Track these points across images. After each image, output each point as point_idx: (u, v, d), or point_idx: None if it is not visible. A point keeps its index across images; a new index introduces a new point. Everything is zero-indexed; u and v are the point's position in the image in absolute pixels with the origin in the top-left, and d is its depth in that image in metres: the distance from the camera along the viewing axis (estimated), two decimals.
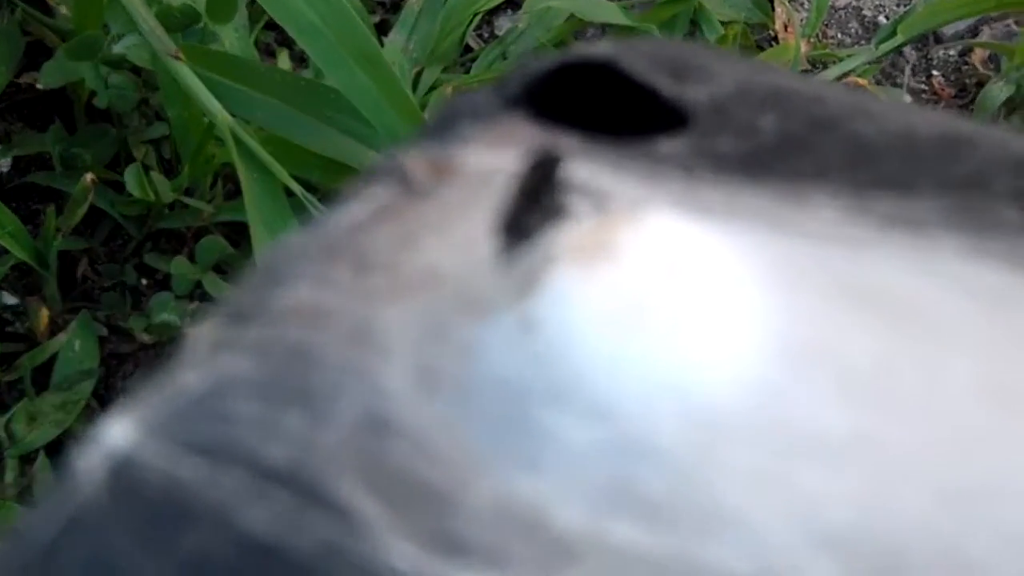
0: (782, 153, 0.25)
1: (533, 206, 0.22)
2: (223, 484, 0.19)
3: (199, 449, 0.20)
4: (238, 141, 0.67)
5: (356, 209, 0.23)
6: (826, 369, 0.20)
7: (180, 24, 0.69)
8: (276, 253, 0.22)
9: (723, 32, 0.85)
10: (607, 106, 0.26)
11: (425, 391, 0.20)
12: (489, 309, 0.21)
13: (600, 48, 0.26)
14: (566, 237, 0.21)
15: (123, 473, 0.20)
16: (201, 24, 0.72)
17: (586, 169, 0.23)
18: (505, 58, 0.84)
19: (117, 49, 0.72)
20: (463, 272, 0.21)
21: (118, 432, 0.20)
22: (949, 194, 0.24)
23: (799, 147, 0.25)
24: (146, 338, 0.77)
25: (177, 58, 0.66)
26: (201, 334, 0.21)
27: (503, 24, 0.89)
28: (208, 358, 0.21)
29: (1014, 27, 0.92)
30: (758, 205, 0.24)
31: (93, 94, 0.74)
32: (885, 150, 0.25)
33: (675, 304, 0.20)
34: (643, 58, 0.26)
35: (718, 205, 0.24)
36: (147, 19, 0.67)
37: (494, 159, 0.24)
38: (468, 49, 0.88)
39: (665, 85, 0.26)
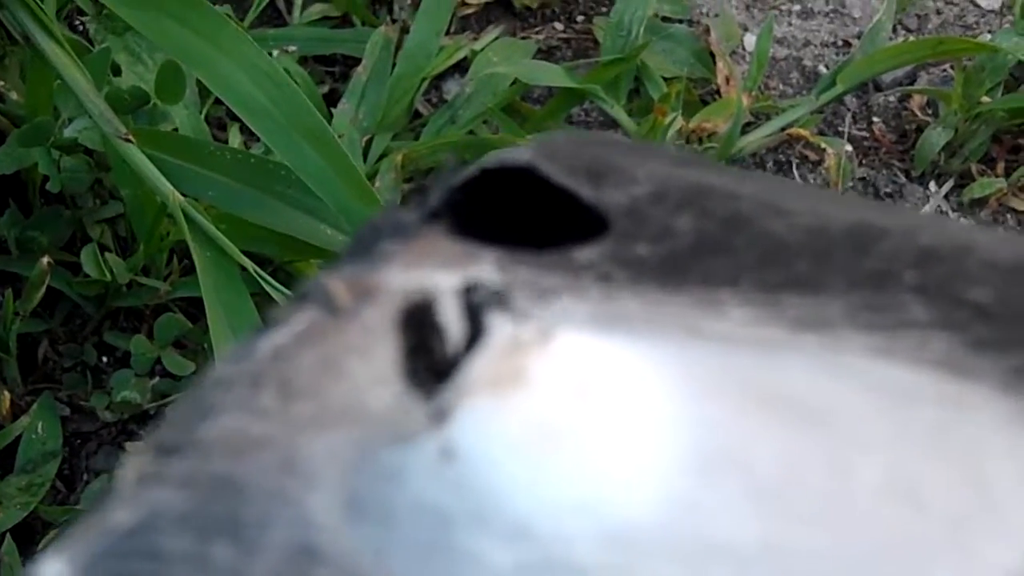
0: (698, 256, 0.25)
1: (447, 332, 0.22)
2: None
3: None
4: (190, 220, 0.67)
5: (280, 334, 0.23)
6: (736, 478, 0.21)
7: (130, 106, 0.70)
8: (202, 383, 0.23)
9: (666, 89, 0.86)
10: (532, 205, 0.27)
11: (352, 519, 0.21)
12: (410, 437, 0.21)
13: (518, 153, 0.27)
14: (480, 366, 0.21)
15: None
16: (151, 104, 0.72)
17: (501, 289, 0.24)
18: (454, 122, 0.85)
19: (68, 133, 0.72)
20: (385, 399, 0.22)
21: (51, 570, 0.20)
22: (858, 291, 0.25)
23: (713, 248, 0.26)
24: (108, 416, 0.77)
25: (128, 140, 0.67)
26: (129, 468, 0.22)
27: (451, 88, 0.90)
28: (136, 492, 0.21)
29: (950, 72, 0.93)
30: (673, 311, 0.24)
31: (47, 178, 0.74)
32: (796, 248, 0.26)
33: (587, 425, 0.21)
34: (561, 161, 0.27)
35: (633, 314, 0.24)
36: (97, 103, 0.67)
37: (414, 276, 0.24)
38: (417, 115, 0.89)
39: (583, 190, 0.27)
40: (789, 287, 0.25)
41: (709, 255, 0.25)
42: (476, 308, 0.23)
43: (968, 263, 0.25)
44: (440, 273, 0.24)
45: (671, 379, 0.22)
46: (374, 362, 0.23)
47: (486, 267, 0.25)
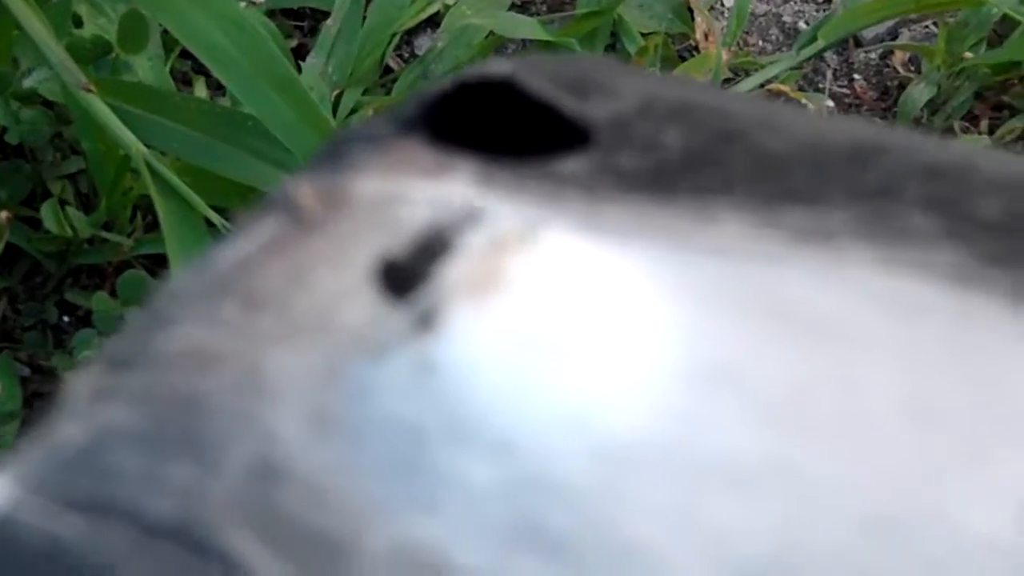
0: (687, 168, 0.24)
1: (423, 242, 0.21)
2: (106, 542, 0.18)
3: (81, 506, 0.19)
4: (154, 173, 0.66)
5: (244, 244, 0.22)
6: (737, 393, 0.20)
7: (91, 56, 0.68)
8: (160, 294, 0.22)
9: (643, 44, 0.85)
10: (511, 126, 0.26)
11: (318, 436, 0.19)
12: (383, 350, 0.20)
13: (499, 66, 0.26)
14: (457, 270, 0.20)
15: (1, 533, 0.19)
16: (113, 55, 0.70)
17: (480, 194, 0.22)
18: (426, 77, 0.84)
19: (28, 83, 0.71)
20: (356, 311, 0.20)
21: None
22: (859, 203, 0.23)
23: (705, 162, 0.24)
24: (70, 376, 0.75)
25: (89, 90, 0.65)
26: (81, 382, 0.20)
27: (423, 43, 0.89)
28: (89, 408, 0.20)
29: (933, 28, 0.92)
30: (663, 222, 0.23)
31: (5, 130, 0.72)
32: (793, 161, 0.24)
33: (575, 333, 0.19)
34: (544, 75, 0.26)
35: (621, 224, 0.23)
36: (57, 52, 0.65)
37: (388, 185, 0.23)
38: (388, 70, 0.87)
39: (566, 102, 0.25)
40: (787, 199, 0.23)
41: (700, 168, 0.24)
42: (454, 215, 0.22)
43: (973, 179, 0.24)
44: (415, 182, 0.23)
45: (665, 287, 0.21)
46: (345, 273, 0.21)
47: (463, 176, 0.23)
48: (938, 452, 0.19)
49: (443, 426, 0.19)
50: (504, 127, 0.26)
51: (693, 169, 0.24)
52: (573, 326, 0.20)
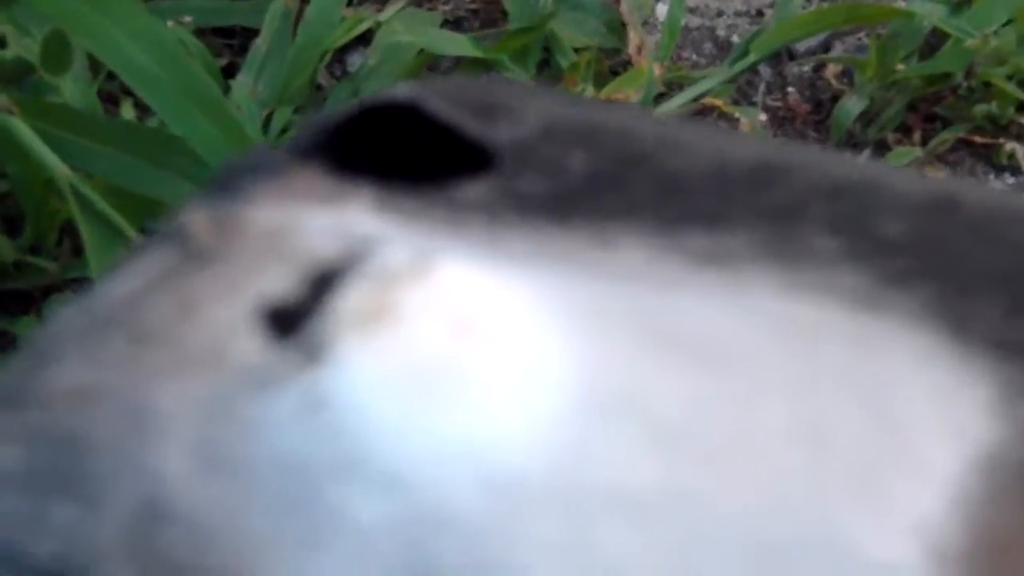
0: (590, 192, 0.24)
1: (313, 274, 0.21)
2: None
3: None
4: (79, 196, 0.65)
5: (133, 276, 0.21)
6: (633, 421, 0.19)
7: (13, 76, 0.67)
8: (44, 330, 0.21)
9: (576, 59, 0.85)
10: (416, 152, 0.25)
11: (205, 473, 0.19)
12: (272, 384, 0.19)
13: (401, 90, 0.25)
14: (347, 302, 0.20)
15: None
16: (37, 76, 0.70)
17: (376, 223, 0.22)
18: (357, 95, 0.83)
19: None
20: (245, 345, 0.20)
21: None
22: (763, 225, 0.23)
23: (607, 185, 0.24)
24: None
25: (11, 112, 0.64)
26: None
27: (355, 61, 0.88)
28: None
29: (865, 40, 0.93)
30: (563, 249, 0.23)
31: None
32: (697, 183, 0.24)
33: (466, 365, 0.19)
34: (448, 99, 0.25)
35: (520, 251, 0.22)
36: None
37: (282, 215, 0.22)
38: (320, 88, 0.87)
39: (469, 126, 0.25)
40: (689, 222, 0.23)
41: (603, 191, 0.24)
42: (346, 247, 0.21)
43: (878, 198, 0.24)
44: (310, 211, 0.23)
45: (560, 315, 0.20)
46: (235, 306, 0.21)
47: (360, 204, 0.23)
48: (832, 477, 0.19)
49: (332, 461, 0.19)
50: (410, 153, 0.25)
51: (596, 193, 0.24)
52: (465, 358, 0.19)
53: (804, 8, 0.93)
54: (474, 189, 0.24)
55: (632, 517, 0.18)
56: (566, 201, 0.24)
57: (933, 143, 0.88)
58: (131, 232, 0.66)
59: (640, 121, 0.27)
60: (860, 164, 0.26)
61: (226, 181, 0.23)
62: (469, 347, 0.19)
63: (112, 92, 0.82)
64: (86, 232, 0.65)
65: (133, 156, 0.68)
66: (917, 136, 0.90)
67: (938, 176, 0.89)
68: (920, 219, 0.24)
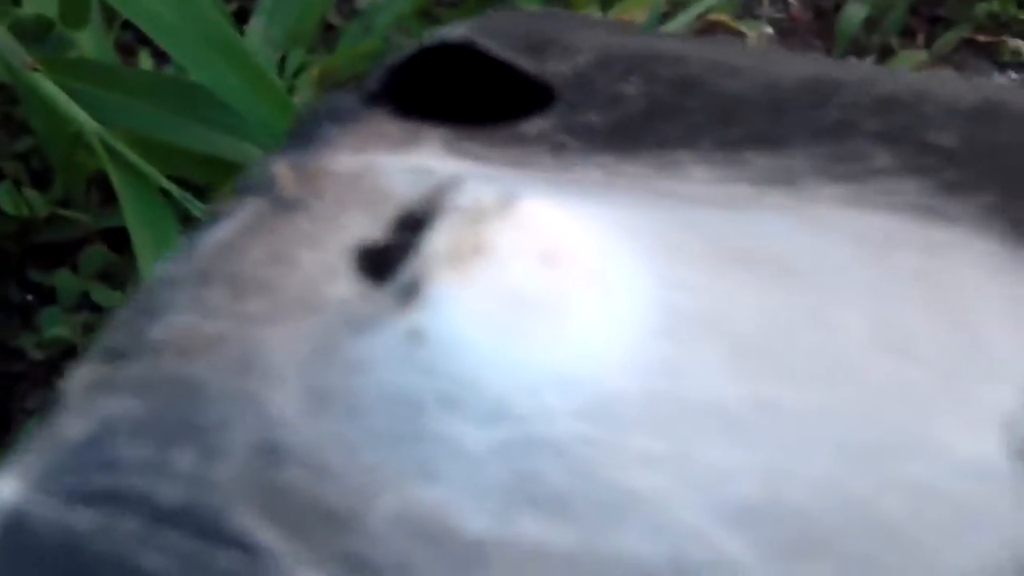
0: (650, 119, 0.25)
1: (401, 216, 0.21)
2: (119, 531, 0.19)
3: (90, 498, 0.19)
4: (108, 148, 0.65)
5: (226, 227, 0.22)
6: (716, 339, 0.20)
7: (34, 34, 0.68)
8: (147, 283, 0.22)
9: None
10: (475, 86, 0.26)
11: (315, 412, 0.20)
12: (372, 324, 0.20)
13: (456, 30, 0.26)
14: (438, 242, 0.20)
15: (15, 530, 0.19)
16: (56, 32, 0.70)
17: (452, 163, 0.23)
18: (368, 32, 0.83)
19: None
20: (341, 288, 0.21)
21: (4, 489, 0.19)
22: (820, 143, 0.24)
23: (666, 111, 0.25)
24: (38, 355, 0.75)
25: (35, 69, 0.65)
26: (76, 376, 0.21)
27: None
28: (87, 401, 0.20)
29: None
30: (631, 175, 0.23)
31: None
32: (752, 105, 0.25)
33: (557, 294, 0.20)
34: (501, 36, 0.26)
35: (591, 180, 0.23)
36: None
37: (361, 160, 0.23)
38: (330, 27, 0.87)
39: (525, 62, 0.26)
40: (750, 144, 0.24)
41: (662, 118, 0.25)
42: (429, 187, 0.22)
43: (928, 108, 0.25)
44: (387, 154, 0.23)
45: (638, 240, 0.21)
46: (326, 250, 0.22)
47: (433, 146, 0.24)
48: (917, 381, 0.20)
49: (436, 393, 0.19)
50: (464, 90, 0.26)
51: (655, 120, 0.25)
52: (555, 289, 0.20)
53: None
54: (536, 124, 0.25)
55: (727, 430, 0.19)
56: (627, 129, 0.24)
57: (937, 44, 0.89)
58: (160, 179, 0.66)
59: (690, 47, 0.27)
60: (906, 75, 0.27)
61: (304, 130, 0.24)
62: (558, 278, 0.20)
63: (127, 43, 0.83)
64: (117, 183, 0.65)
65: (156, 106, 0.68)
66: (921, 39, 0.90)
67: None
68: (969, 127, 0.24)
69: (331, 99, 0.25)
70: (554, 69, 0.26)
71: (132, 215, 0.65)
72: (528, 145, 0.24)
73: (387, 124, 0.24)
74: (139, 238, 0.65)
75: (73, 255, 0.75)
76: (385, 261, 0.21)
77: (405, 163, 0.23)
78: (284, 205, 0.22)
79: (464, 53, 0.26)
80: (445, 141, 0.24)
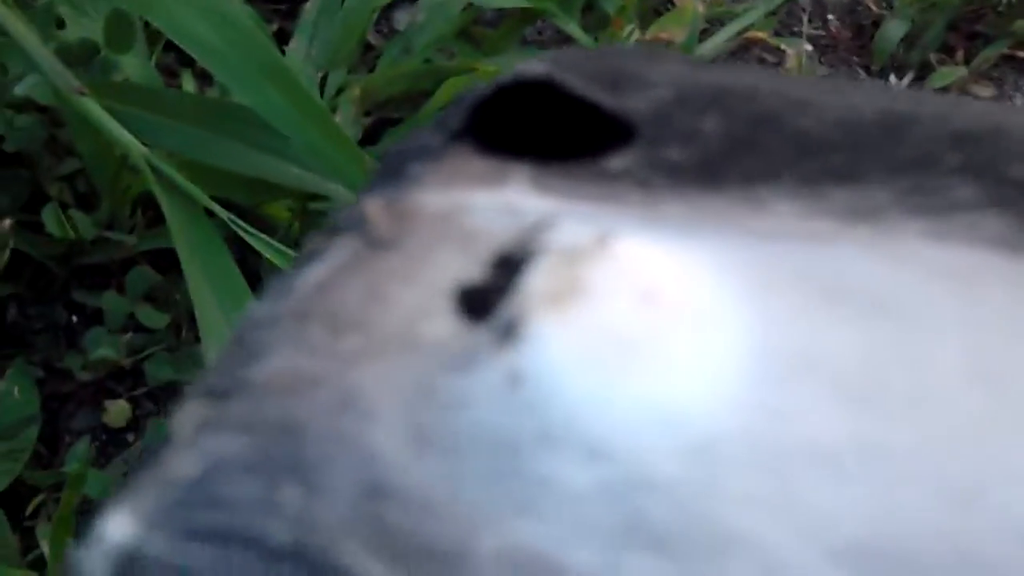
0: (729, 155, 0.25)
1: (497, 254, 0.22)
2: (233, 568, 0.19)
3: (203, 536, 0.19)
4: (154, 169, 0.66)
5: (320, 266, 0.23)
6: (814, 376, 0.20)
7: (80, 59, 0.69)
8: (245, 323, 0.22)
9: (622, 2, 0.85)
10: (553, 121, 0.26)
11: (417, 451, 0.20)
12: (471, 363, 0.20)
13: (534, 66, 0.26)
14: (537, 281, 0.21)
15: (129, 567, 0.19)
16: (101, 55, 0.71)
17: (541, 201, 0.23)
18: (408, 52, 0.84)
19: (19, 90, 0.71)
20: (438, 326, 0.21)
21: (118, 528, 0.20)
22: (899, 177, 0.24)
23: (744, 146, 0.25)
24: (84, 375, 0.76)
25: (83, 93, 0.65)
26: (183, 415, 0.21)
27: (401, 18, 0.89)
28: (194, 440, 0.21)
29: None
30: (718, 212, 0.24)
31: (1, 138, 0.72)
32: (829, 139, 0.25)
33: (655, 334, 0.20)
34: (579, 72, 0.26)
35: (679, 217, 0.24)
36: (46, 57, 0.66)
37: (450, 197, 0.24)
38: (369, 47, 0.87)
39: (605, 98, 0.26)
40: (829, 178, 0.24)
41: (743, 154, 0.25)
42: (523, 225, 0.22)
43: (1005, 141, 0.25)
44: (475, 192, 0.24)
45: (732, 278, 0.21)
46: (421, 289, 0.22)
47: (520, 182, 0.24)
48: (1011, 415, 0.20)
49: (537, 433, 0.20)
50: (538, 126, 0.26)
51: (734, 155, 0.25)
52: (653, 328, 0.20)
53: None
54: (619, 161, 0.25)
55: (830, 470, 0.19)
56: (709, 165, 0.25)
57: (977, 61, 0.89)
58: (206, 201, 0.67)
59: (764, 80, 0.28)
60: (976, 105, 0.27)
61: (391, 168, 0.24)
62: (657, 317, 0.20)
63: (169, 65, 0.83)
64: (165, 204, 0.66)
65: (200, 128, 0.69)
66: (960, 55, 0.90)
67: (986, 93, 0.90)
68: None
69: (415, 137, 0.25)
70: (633, 105, 0.26)
71: (179, 236, 0.66)
72: (613, 182, 0.24)
73: (473, 161, 0.25)
74: (186, 258, 0.66)
75: (119, 276, 0.76)
76: (482, 300, 0.21)
77: (494, 201, 0.23)
78: (378, 244, 0.23)
79: (538, 89, 0.26)
80: (531, 177, 0.24)
